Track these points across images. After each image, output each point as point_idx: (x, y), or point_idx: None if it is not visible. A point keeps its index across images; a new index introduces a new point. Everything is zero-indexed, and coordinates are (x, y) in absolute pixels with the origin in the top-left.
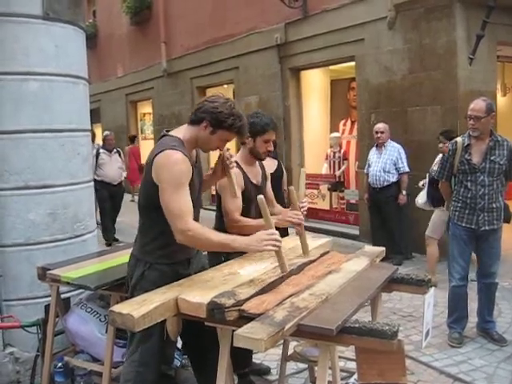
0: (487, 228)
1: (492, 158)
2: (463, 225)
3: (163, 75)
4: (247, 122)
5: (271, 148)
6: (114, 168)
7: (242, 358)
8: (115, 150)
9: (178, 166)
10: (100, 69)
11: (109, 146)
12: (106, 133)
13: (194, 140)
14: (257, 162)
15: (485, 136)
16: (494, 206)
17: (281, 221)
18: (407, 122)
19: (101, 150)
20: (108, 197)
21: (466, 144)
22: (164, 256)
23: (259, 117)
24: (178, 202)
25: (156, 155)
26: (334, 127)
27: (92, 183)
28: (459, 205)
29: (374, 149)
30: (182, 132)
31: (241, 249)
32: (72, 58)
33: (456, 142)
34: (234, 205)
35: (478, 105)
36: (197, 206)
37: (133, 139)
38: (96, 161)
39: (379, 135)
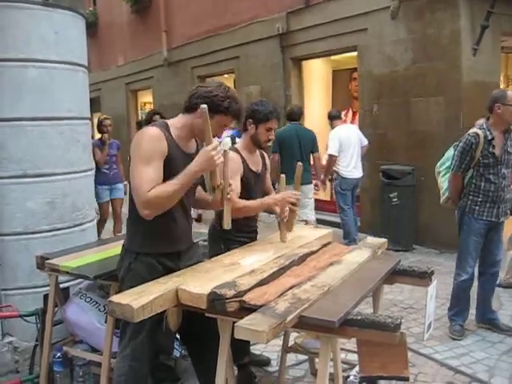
0: (504, 219)
1: (509, 149)
2: (484, 218)
3: (164, 64)
4: (252, 109)
5: (272, 136)
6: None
7: (239, 348)
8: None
9: (149, 141)
10: (100, 57)
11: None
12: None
13: (189, 128)
14: (257, 151)
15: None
16: (508, 196)
17: (280, 201)
18: (410, 112)
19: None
20: None
21: (490, 137)
22: (150, 245)
23: (263, 105)
24: (142, 176)
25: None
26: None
27: (92, 171)
28: (479, 199)
29: None
30: (173, 119)
31: (197, 175)
32: (72, 45)
33: (477, 134)
34: (237, 188)
35: None
36: (189, 195)
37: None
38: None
39: None
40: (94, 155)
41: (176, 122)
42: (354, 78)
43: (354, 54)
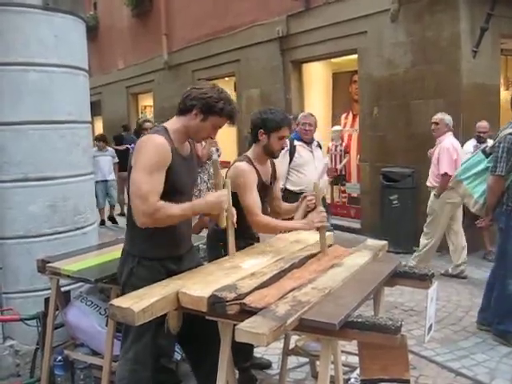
0: None
1: None
2: None
3: (164, 68)
4: (261, 118)
5: (286, 145)
6: None
7: (243, 353)
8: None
9: (155, 149)
10: (101, 61)
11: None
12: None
13: (184, 130)
14: (268, 162)
15: None
16: None
17: (307, 225)
18: (410, 115)
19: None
20: None
21: None
22: (152, 250)
23: (273, 112)
24: (147, 183)
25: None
26: (335, 120)
27: (92, 175)
28: None
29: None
30: (169, 123)
31: (203, 212)
32: (72, 48)
33: None
34: (257, 203)
35: None
36: (186, 197)
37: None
38: None
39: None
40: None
41: (172, 125)
42: (354, 80)
43: (354, 56)
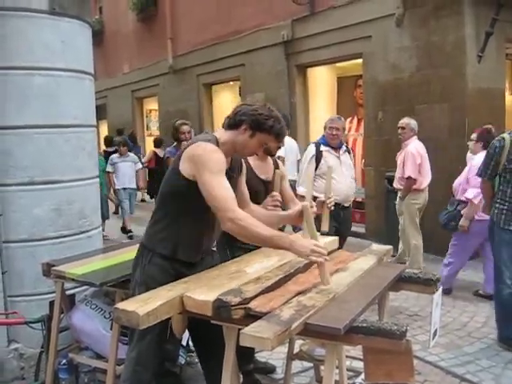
0: None
1: None
2: (511, 228)
3: (169, 72)
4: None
5: (283, 144)
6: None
7: (245, 355)
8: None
9: (216, 154)
10: (106, 65)
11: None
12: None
13: (231, 144)
14: (269, 159)
15: None
16: None
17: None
18: (415, 119)
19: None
20: None
21: None
22: (169, 247)
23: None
24: (223, 189)
25: (188, 146)
26: None
27: (97, 179)
28: (505, 207)
29: None
30: (219, 134)
31: (285, 248)
32: (78, 53)
33: (503, 138)
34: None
35: None
36: None
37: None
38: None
39: None
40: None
41: (221, 137)
42: (359, 85)
43: (359, 61)
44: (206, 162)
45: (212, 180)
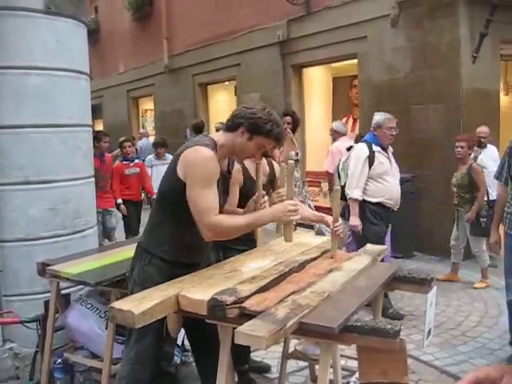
0: None
1: None
2: None
3: (165, 71)
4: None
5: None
6: None
7: (241, 355)
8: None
9: (208, 164)
10: (101, 65)
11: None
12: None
13: (230, 147)
14: (264, 160)
15: None
16: None
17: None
18: (410, 120)
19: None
20: None
21: None
22: (168, 251)
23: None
24: (206, 198)
25: (186, 149)
26: None
27: (92, 179)
28: (510, 210)
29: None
30: (217, 136)
31: (268, 222)
32: (73, 52)
33: None
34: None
35: None
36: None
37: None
38: None
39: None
40: None
41: (219, 140)
42: (355, 85)
43: (355, 61)
44: (198, 174)
45: (198, 190)
